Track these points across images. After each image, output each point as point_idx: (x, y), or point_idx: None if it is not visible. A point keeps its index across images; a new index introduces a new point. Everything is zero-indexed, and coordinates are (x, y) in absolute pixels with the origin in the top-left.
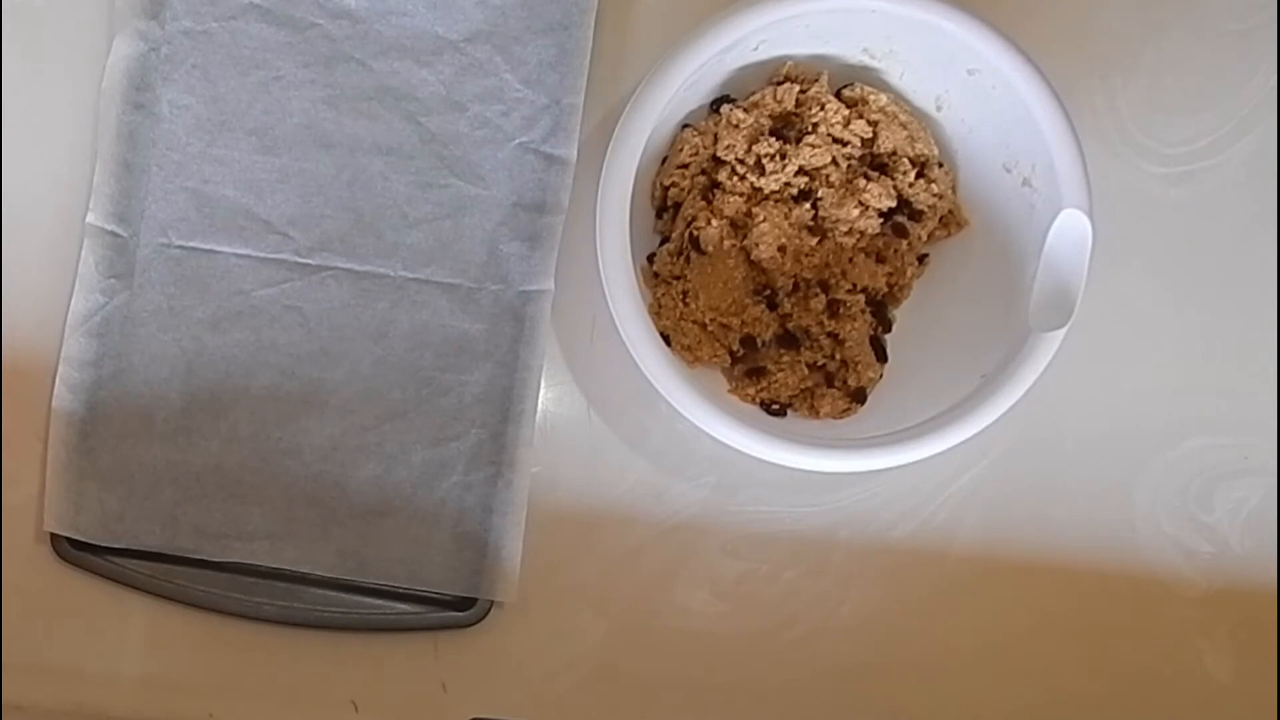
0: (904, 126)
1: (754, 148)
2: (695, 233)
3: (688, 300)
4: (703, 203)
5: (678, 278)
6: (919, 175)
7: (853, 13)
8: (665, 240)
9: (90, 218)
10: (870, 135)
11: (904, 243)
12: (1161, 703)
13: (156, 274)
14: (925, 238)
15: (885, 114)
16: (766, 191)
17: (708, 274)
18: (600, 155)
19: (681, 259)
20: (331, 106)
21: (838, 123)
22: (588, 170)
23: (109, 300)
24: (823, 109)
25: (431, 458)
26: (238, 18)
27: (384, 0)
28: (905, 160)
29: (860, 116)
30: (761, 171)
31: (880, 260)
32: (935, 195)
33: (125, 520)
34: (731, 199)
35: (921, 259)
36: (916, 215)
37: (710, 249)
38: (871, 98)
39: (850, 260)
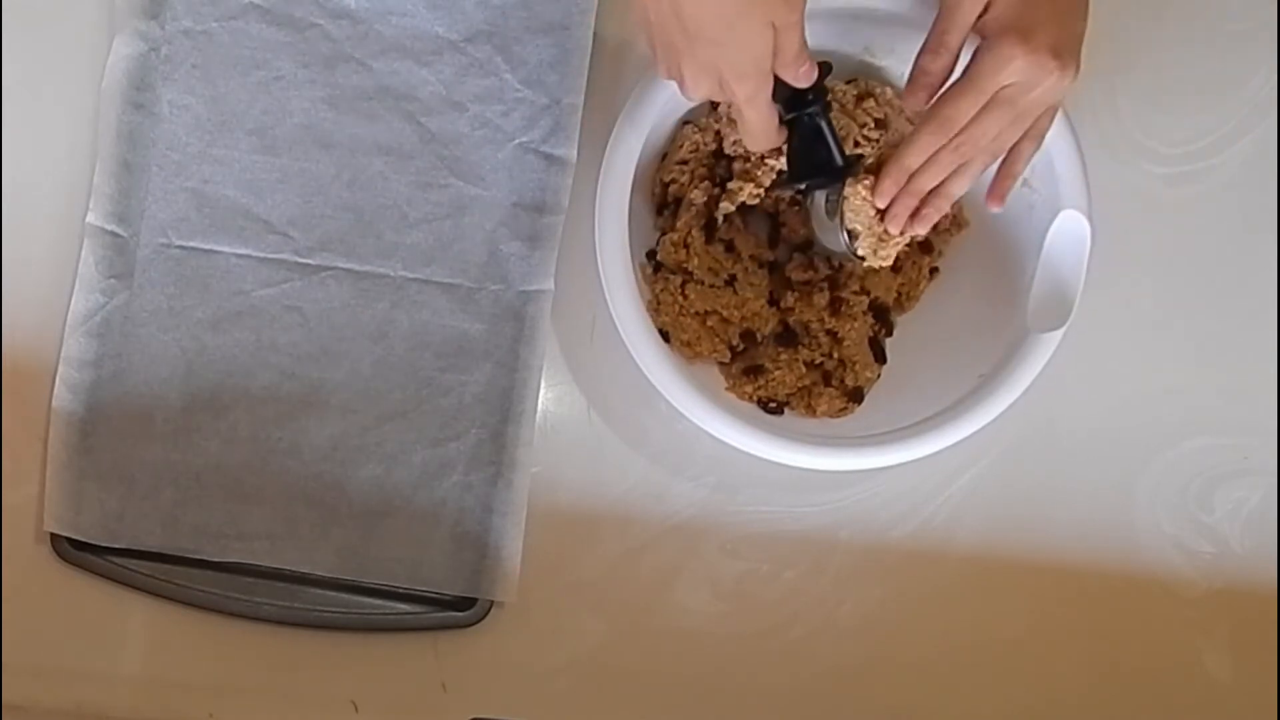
0: (911, 121)
1: None
2: (715, 214)
3: (686, 292)
4: (717, 189)
5: (682, 266)
6: None
7: (855, 11)
8: (669, 233)
9: (90, 218)
10: (882, 116)
11: (926, 258)
12: (1161, 702)
13: (157, 274)
14: (942, 252)
15: (893, 106)
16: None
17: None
18: (600, 155)
19: (684, 249)
20: (332, 106)
21: (849, 101)
22: (587, 169)
23: (109, 300)
24: (830, 93)
25: (431, 458)
26: (238, 18)
27: (384, 0)
28: None
29: (870, 96)
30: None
31: (896, 270)
32: None
33: (125, 520)
34: (748, 186)
35: (933, 272)
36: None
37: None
38: (878, 90)
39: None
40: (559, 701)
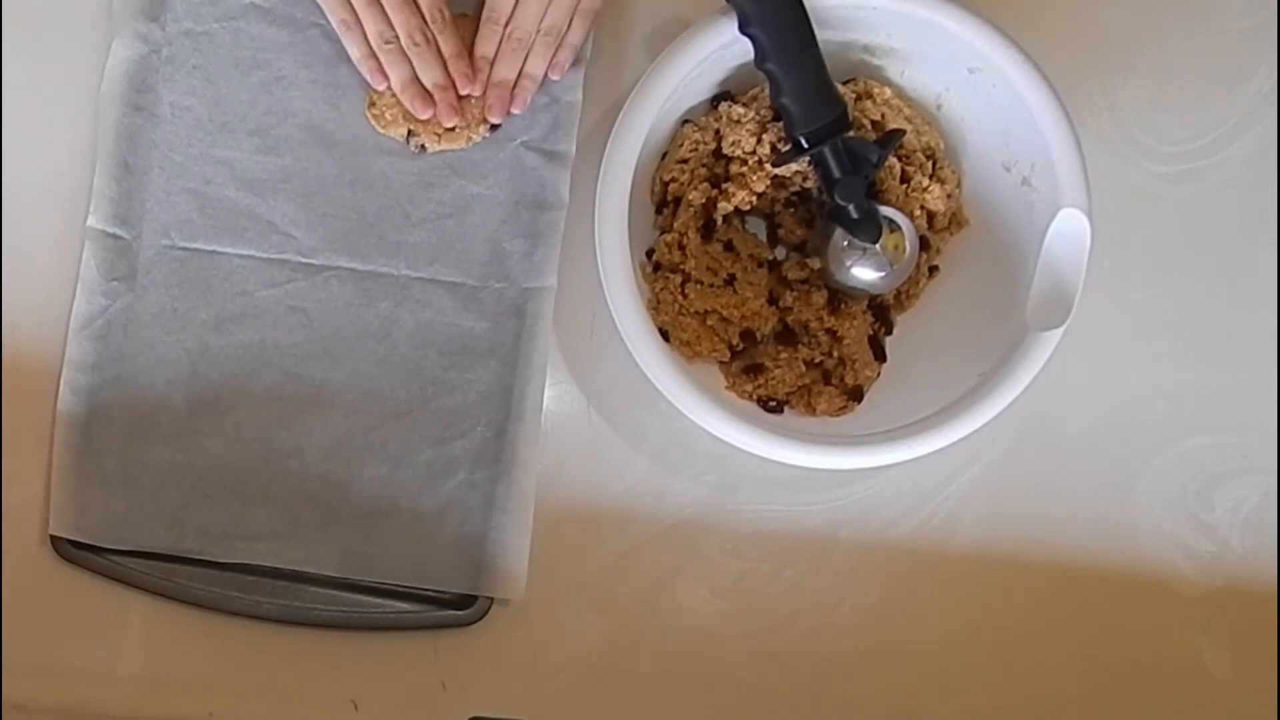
0: (909, 120)
1: (764, 137)
2: (713, 215)
3: (686, 292)
4: (715, 191)
5: (677, 268)
6: (933, 171)
7: (854, 9)
8: (665, 234)
9: (91, 220)
10: (879, 117)
11: (923, 255)
12: (1161, 700)
13: (159, 275)
14: (941, 250)
15: (890, 106)
16: (786, 178)
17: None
18: (600, 152)
19: (679, 250)
20: (333, 106)
21: (849, 103)
22: (588, 167)
23: (111, 303)
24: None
25: (436, 456)
26: (238, 18)
27: None
28: (919, 154)
29: (868, 96)
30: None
31: None
32: (946, 195)
33: (130, 522)
34: (741, 193)
35: (932, 270)
36: (932, 221)
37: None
38: (876, 91)
39: None
40: (559, 700)
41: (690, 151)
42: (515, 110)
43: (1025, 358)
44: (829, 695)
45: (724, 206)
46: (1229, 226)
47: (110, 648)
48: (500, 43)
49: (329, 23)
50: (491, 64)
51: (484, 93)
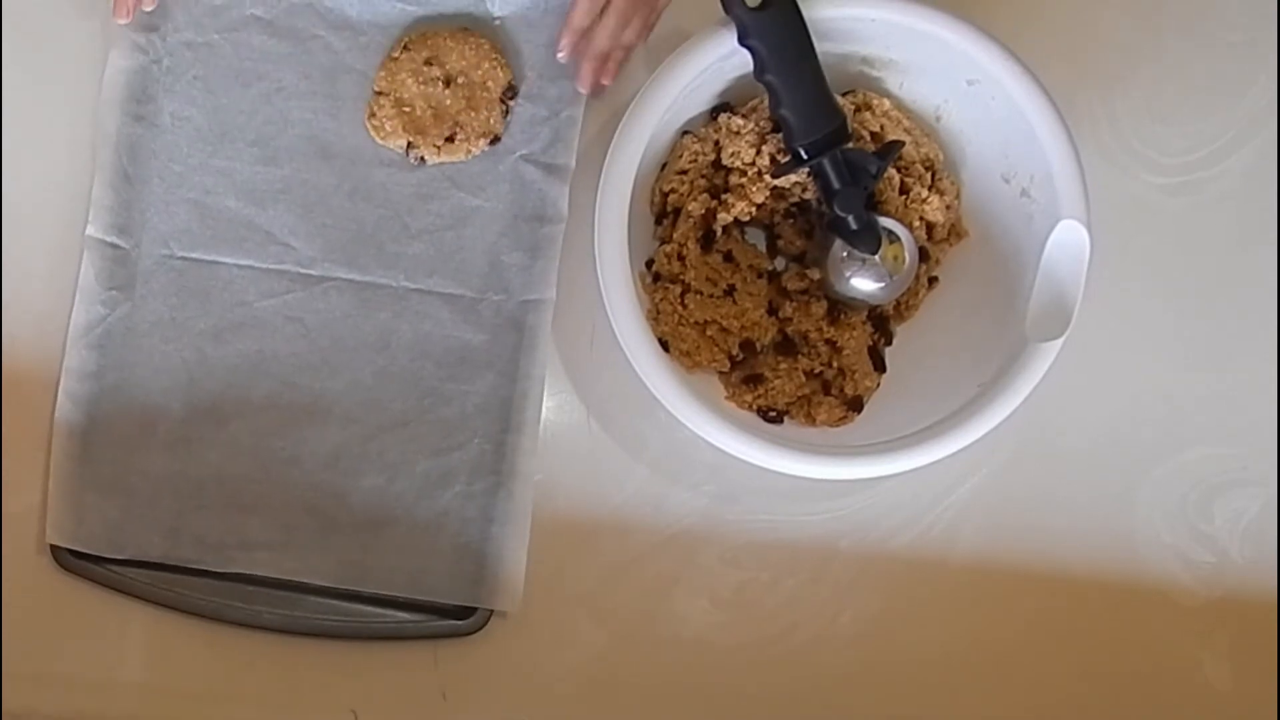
0: (908, 132)
1: (763, 149)
2: (712, 226)
3: (686, 302)
4: (714, 201)
5: (677, 279)
6: (932, 183)
7: (853, 22)
8: (664, 245)
9: (90, 230)
10: (879, 129)
11: (923, 266)
12: (1161, 711)
13: (158, 285)
14: (940, 261)
15: (889, 118)
16: (786, 189)
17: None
18: (599, 163)
19: (679, 261)
20: (333, 117)
21: (848, 114)
22: (588, 178)
23: (110, 312)
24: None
25: (433, 467)
26: (239, 29)
27: (386, 12)
28: (918, 166)
29: (867, 108)
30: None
31: None
32: (945, 206)
33: (126, 530)
34: (740, 204)
35: (932, 281)
36: (931, 232)
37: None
38: (875, 102)
39: None
40: (559, 710)
41: (690, 162)
42: (606, 82)
43: (1025, 368)
44: (829, 706)
45: (723, 217)
46: (1228, 238)
47: (110, 657)
48: (601, 13)
49: (329, 34)
50: (586, 35)
51: (578, 63)
